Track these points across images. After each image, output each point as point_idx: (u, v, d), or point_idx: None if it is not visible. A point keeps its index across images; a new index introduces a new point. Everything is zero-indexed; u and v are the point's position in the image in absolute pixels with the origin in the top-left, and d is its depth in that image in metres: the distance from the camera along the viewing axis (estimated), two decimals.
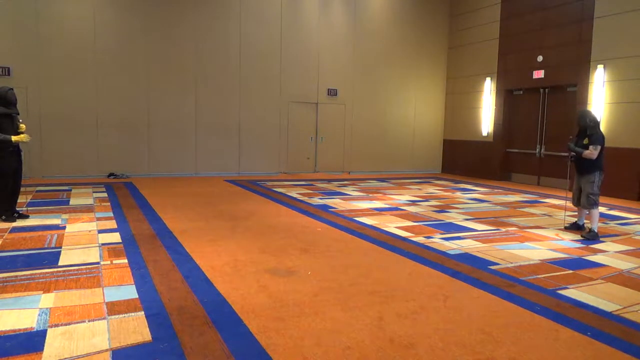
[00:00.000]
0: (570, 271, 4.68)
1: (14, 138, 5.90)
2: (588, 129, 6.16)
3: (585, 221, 6.51)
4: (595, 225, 6.14)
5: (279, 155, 13.41)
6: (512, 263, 4.90)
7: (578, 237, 6.18)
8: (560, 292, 4.06)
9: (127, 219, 6.58)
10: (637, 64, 9.92)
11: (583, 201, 6.18)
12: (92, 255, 4.75)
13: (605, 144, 6.17)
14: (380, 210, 7.92)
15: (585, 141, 6.13)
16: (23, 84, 10.53)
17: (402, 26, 14.59)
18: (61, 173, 10.89)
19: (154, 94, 11.79)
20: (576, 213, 6.88)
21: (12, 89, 6.07)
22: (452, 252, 5.25)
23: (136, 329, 3.07)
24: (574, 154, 6.28)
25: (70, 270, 4.25)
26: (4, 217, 6.10)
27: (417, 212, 7.77)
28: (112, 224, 6.18)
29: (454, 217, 7.44)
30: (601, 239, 6.08)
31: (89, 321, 3.17)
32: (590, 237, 6.04)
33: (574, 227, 6.54)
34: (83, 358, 2.69)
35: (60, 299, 3.54)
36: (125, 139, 11.62)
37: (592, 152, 6.05)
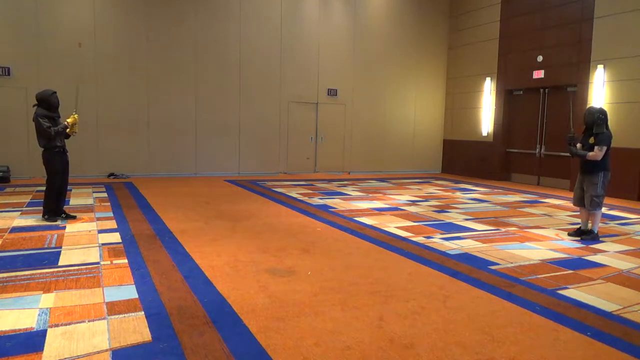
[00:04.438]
0: (570, 271, 4.67)
1: (69, 120, 6.11)
2: (595, 126, 5.80)
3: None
4: (596, 226, 6.08)
5: (279, 155, 13.41)
6: (512, 263, 4.90)
7: (578, 237, 6.16)
8: (560, 292, 4.06)
9: (127, 219, 6.58)
10: (637, 64, 9.92)
11: (586, 203, 5.94)
12: (92, 255, 4.74)
13: (612, 143, 5.86)
14: (380, 210, 7.92)
15: (591, 140, 5.83)
16: (23, 84, 10.54)
17: (402, 26, 14.59)
18: None
19: (154, 94, 11.79)
20: (578, 214, 6.59)
21: (55, 92, 6.16)
22: (452, 252, 5.25)
23: (136, 329, 3.07)
24: (572, 137, 6.01)
25: (70, 270, 4.25)
26: (46, 216, 6.19)
27: (417, 212, 7.77)
28: (112, 224, 6.18)
29: (454, 217, 7.44)
30: (601, 239, 6.08)
31: (89, 321, 3.17)
32: (590, 238, 6.02)
33: (578, 234, 6.17)
34: (83, 358, 2.69)
35: (60, 299, 3.54)
36: (125, 139, 11.61)
37: (597, 154, 5.75)
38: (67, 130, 6.13)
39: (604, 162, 5.84)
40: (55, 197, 6.23)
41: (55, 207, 6.28)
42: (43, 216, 6.25)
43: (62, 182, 6.28)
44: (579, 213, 6.56)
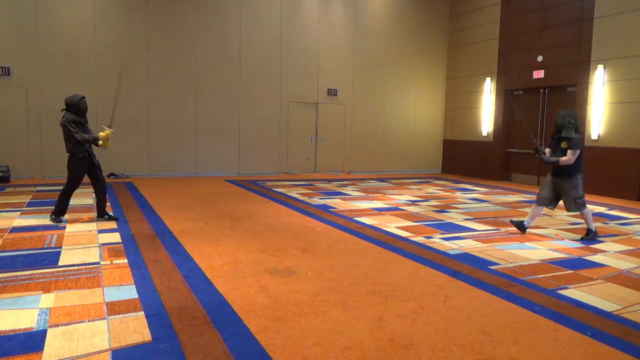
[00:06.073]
0: (570, 271, 4.67)
1: (102, 134, 6.14)
2: (565, 129, 5.83)
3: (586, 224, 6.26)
4: (591, 224, 6.09)
5: (279, 155, 13.41)
6: (512, 263, 4.90)
7: (578, 237, 6.17)
8: (560, 292, 4.06)
9: (127, 219, 6.58)
10: (637, 64, 9.92)
11: (570, 206, 5.96)
12: (92, 255, 4.74)
13: (583, 146, 5.93)
14: (380, 210, 7.92)
15: (564, 145, 5.87)
16: (23, 84, 10.55)
17: (402, 26, 14.59)
18: (61, 173, 10.84)
19: (154, 94, 11.79)
20: (577, 213, 6.61)
21: (84, 97, 6.20)
22: (452, 252, 5.25)
23: (136, 329, 3.07)
24: (539, 146, 6.09)
25: (70, 270, 4.25)
26: (53, 216, 6.20)
27: (417, 212, 7.77)
28: (112, 224, 6.18)
29: (454, 217, 7.44)
30: (601, 239, 6.08)
31: (89, 321, 3.17)
32: (590, 238, 6.02)
33: (517, 224, 6.28)
34: (83, 358, 2.69)
35: (60, 299, 3.54)
36: (125, 139, 11.59)
37: (570, 158, 5.78)
38: (99, 142, 6.15)
39: (579, 165, 5.90)
40: (69, 199, 6.27)
41: (65, 209, 6.30)
42: (51, 215, 6.25)
43: (96, 186, 6.34)
44: (530, 209, 6.61)
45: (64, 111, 6.13)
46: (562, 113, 6.00)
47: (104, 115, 11.21)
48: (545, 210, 6.78)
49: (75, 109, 6.07)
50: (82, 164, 6.18)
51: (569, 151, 5.81)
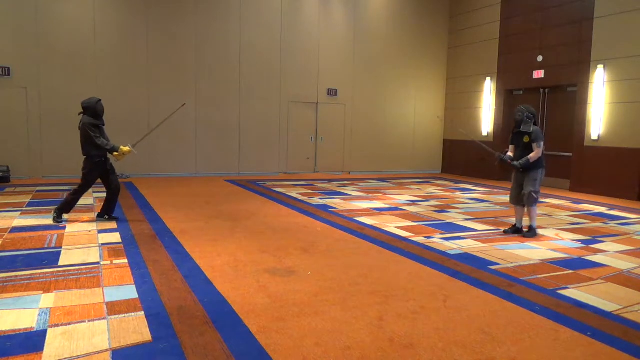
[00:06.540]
0: (570, 271, 4.67)
1: (123, 149, 6.17)
2: (523, 124, 5.92)
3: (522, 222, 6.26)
4: (535, 221, 6.10)
5: (279, 155, 13.41)
6: (512, 263, 4.90)
7: (578, 237, 6.18)
8: (560, 292, 4.06)
9: (127, 219, 6.58)
10: (637, 64, 9.92)
11: (525, 199, 5.98)
12: (92, 255, 4.74)
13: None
14: (380, 210, 7.92)
15: (526, 139, 5.93)
16: (23, 84, 10.54)
17: (402, 26, 14.59)
18: (61, 173, 10.89)
19: (154, 94, 11.79)
20: (575, 213, 6.61)
21: (100, 100, 6.21)
22: (452, 252, 5.25)
23: (136, 329, 3.07)
24: (503, 156, 6.10)
25: (70, 270, 4.25)
26: (55, 214, 6.19)
27: (417, 212, 7.77)
28: (112, 224, 6.19)
29: (454, 217, 7.44)
30: (601, 239, 6.08)
31: (89, 321, 3.17)
32: (530, 235, 6.05)
33: (513, 231, 6.23)
34: (83, 358, 2.69)
35: (60, 299, 3.54)
36: (125, 139, 11.54)
37: (538, 151, 5.84)
38: (114, 153, 6.16)
39: (542, 159, 5.94)
40: (77, 200, 6.27)
41: (71, 209, 6.30)
42: (54, 211, 6.23)
43: (109, 188, 6.31)
44: (512, 210, 6.56)
45: (81, 114, 6.14)
46: (521, 108, 6.08)
47: (105, 115, 11.27)
48: (548, 210, 6.77)
49: (93, 112, 6.09)
50: (97, 168, 6.20)
51: (533, 144, 5.88)
